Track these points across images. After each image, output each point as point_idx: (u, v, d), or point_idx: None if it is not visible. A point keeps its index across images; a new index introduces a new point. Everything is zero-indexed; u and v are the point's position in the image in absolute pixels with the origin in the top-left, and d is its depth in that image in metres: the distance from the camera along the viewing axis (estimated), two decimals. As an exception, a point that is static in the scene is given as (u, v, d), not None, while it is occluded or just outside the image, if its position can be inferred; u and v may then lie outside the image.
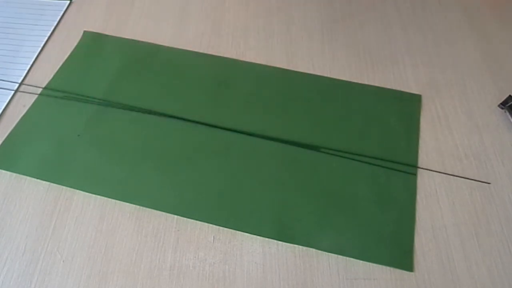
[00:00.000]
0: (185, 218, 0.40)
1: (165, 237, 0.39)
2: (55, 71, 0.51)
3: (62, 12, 0.58)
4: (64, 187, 0.42)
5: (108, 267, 0.37)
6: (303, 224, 0.39)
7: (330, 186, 0.41)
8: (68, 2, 0.60)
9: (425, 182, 0.42)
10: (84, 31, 0.55)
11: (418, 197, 0.41)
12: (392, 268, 0.37)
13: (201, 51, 0.53)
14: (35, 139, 0.45)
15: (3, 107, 0.48)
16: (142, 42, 0.54)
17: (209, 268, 0.37)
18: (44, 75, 0.51)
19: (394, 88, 0.49)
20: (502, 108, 0.46)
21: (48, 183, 0.42)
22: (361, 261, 0.37)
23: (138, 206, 0.40)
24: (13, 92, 0.49)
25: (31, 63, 0.52)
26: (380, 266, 0.37)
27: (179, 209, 0.40)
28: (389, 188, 0.41)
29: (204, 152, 0.44)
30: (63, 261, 0.38)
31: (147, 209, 0.40)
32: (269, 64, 0.51)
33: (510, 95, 0.46)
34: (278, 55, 0.53)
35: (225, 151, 0.44)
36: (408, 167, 0.42)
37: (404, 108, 0.47)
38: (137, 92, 0.49)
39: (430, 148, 0.44)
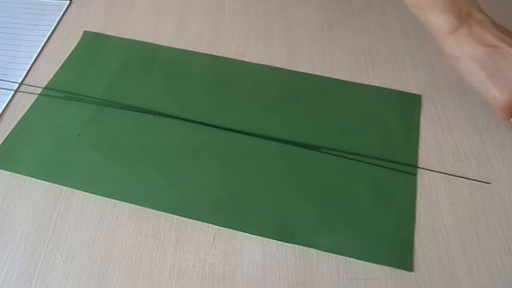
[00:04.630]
0: (185, 218, 0.40)
1: (165, 237, 0.39)
2: (55, 71, 0.51)
3: (62, 12, 0.58)
4: (64, 187, 0.42)
5: (108, 267, 0.37)
6: (303, 224, 0.39)
7: (330, 186, 0.41)
8: (68, 2, 0.60)
9: (425, 182, 0.42)
10: (84, 31, 0.55)
11: (418, 197, 0.41)
12: (392, 268, 0.37)
13: (201, 51, 0.53)
14: (35, 139, 0.45)
15: (3, 107, 0.48)
16: (142, 42, 0.54)
17: (209, 268, 0.37)
18: (44, 75, 0.51)
19: (394, 88, 0.49)
20: (502, 108, 0.46)
21: (48, 183, 0.42)
22: (361, 261, 0.37)
23: (138, 206, 0.40)
24: (13, 92, 0.49)
25: (31, 63, 0.52)
26: (380, 266, 0.37)
27: (179, 209, 0.40)
28: (389, 188, 0.41)
29: (204, 152, 0.44)
30: (63, 261, 0.38)
31: (147, 209, 0.40)
32: (269, 64, 0.51)
33: (510, 95, 0.46)
34: (278, 55, 0.53)
35: (225, 151, 0.44)
36: (408, 167, 0.42)
37: (404, 108, 0.47)
38: (137, 92, 0.49)
39: (430, 148, 0.44)
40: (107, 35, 0.55)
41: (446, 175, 0.42)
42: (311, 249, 0.38)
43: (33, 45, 0.54)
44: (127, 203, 0.41)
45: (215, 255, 0.38)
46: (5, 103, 0.48)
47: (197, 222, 0.39)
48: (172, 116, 0.46)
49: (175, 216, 0.40)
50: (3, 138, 0.45)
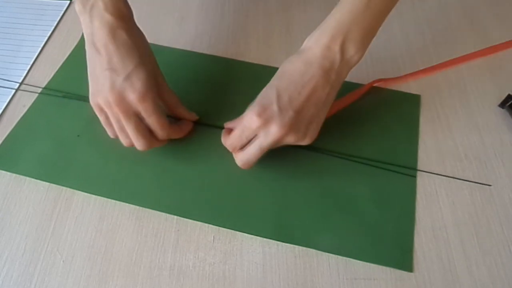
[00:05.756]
0: (185, 218, 0.40)
1: (165, 237, 0.39)
2: (55, 71, 0.51)
3: (62, 12, 0.58)
4: (64, 187, 0.42)
5: (108, 267, 0.37)
6: (303, 224, 0.39)
7: (329, 187, 0.41)
8: (68, 2, 0.60)
9: (425, 183, 0.42)
10: (84, 31, 0.55)
11: (418, 197, 0.41)
12: (392, 268, 0.37)
13: (201, 51, 0.53)
14: (35, 139, 0.45)
15: (3, 107, 0.48)
16: (142, 42, 0.54)
17: (209, 268, 0.37)
18: (44, 75, 0.51)
19: (394, 88, 0.49)
20: (502, 108, 0.46)
21: (48, 183, 0.42)
22: (361, 261, 0.37)
23: (138, 206, 0.40)
24: (13, 92, 0.49)
25: (31, 63, 0.52)
26: (380, 266, 0.37)
27: (179, 209, 0.40)
28: (389, 189, 0.41)
29: (204, 152, 0.44)
30: (63, 261, 0.38)
31: (147, 209, 0.40)
32: (269, 64, 0.51)
33: (509, 94, 0.46)
34: (278, 55, 0.53)
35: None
36: (407, 169, 0.42)
37: (404, 108, 0.47)
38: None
39: (430, 148, 0.44)
40: (107, 35, 0.55)
41: (446, 176, 0.42)
42: (311, 249, 0.38)
43: (33, 45, 0.54)
44: (127, 203, 0.41)
45: (215, 255, 0.38)
46: (5, 103, 0.48)
47: (197, 222, 0.39)
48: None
49: (175, 216, 0.40)
50: (3, 138, 0.45)
